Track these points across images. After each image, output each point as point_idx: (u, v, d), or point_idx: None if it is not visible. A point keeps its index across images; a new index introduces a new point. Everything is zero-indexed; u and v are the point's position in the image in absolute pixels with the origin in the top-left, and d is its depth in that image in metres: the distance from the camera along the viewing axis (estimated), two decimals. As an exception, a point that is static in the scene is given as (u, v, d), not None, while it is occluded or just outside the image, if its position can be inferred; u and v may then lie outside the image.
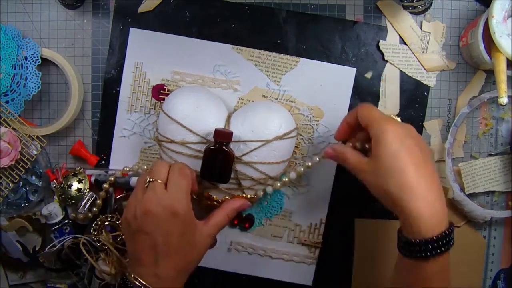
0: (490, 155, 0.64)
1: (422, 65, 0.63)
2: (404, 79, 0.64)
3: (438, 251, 0.43)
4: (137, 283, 0.48)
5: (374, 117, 0.48)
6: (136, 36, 0.63)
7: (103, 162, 0.65)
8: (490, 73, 0.63)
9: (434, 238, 0.43)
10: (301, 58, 0.63)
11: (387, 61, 0.63)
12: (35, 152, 0.62)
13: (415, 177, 0.44)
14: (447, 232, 0.44)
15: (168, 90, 0.63)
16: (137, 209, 0.48)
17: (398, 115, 0.64)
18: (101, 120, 0.65)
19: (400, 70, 0.63)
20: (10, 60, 0.61)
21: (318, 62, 0.63)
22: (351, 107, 0.63)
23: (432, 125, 0.64)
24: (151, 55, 0.63)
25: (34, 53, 0.62)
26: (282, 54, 0.63)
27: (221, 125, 0.57)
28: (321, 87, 0.63)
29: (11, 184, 0.62)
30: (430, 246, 0.43)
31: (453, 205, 0.63)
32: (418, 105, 0.64)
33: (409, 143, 0.46)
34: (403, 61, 0.63)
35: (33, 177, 0.64)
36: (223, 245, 0.65)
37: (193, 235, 0.50)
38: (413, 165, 0.45)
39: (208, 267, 0.66)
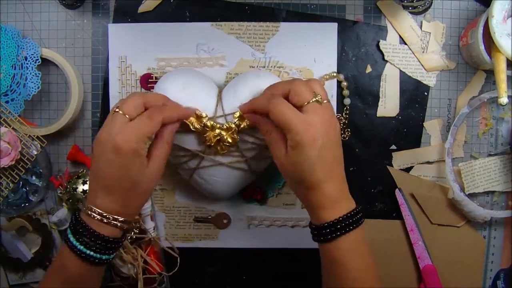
0: (490, 155, 0.64)
1: (422, 65, 0.63)
2: (404, 79, 0.64)
3: (344, 230, 0.47)
4: (85, 214, 0.48)
5: (289, 121, 0.47)
6: (116, 31, 0.63)
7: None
8: (490, 73, 0.63)
9: (339, 218, 0.47)
10: (281, 23, 0.63)
11: (387, 61, 0.63)
12: (35, 152, 0.62)
13: (323, 177, 0.47)
14: (351, 213, 0.48)
15: (156, 78, 0.63)
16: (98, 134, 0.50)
17: (397, 115, 0.64)
18: (101, 120, 0.65)
19: (400, 70, 0.63)
20: (10, 60, 0.61)
21: (298, 24, 0.63)
22: (339, 61, 0.63)
23: (432, 125, 0.64)
24: (133, 47, 0.63)
25: (34, 53, 0.62)
26: (261, 22, 0.63)
27: (213, 101, 0.57)
28: (306, 47, 0.63)
29: (11, 184, 0.62)
30: (335, 227, 0.47)
31: (453, 205, 0.63)
32: (418, 105, 0.64)
33: (323, 144, 0.47)
34: (403, 61, 0.63)
35: (33, 177, 0.64)
36: (241, 223, 0.66)
37: (139, 175, 0.49)
38: (323, 166, 0.47)
39: (225, 247, 0.66)
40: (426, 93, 0.64)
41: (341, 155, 0.50)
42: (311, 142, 0.46)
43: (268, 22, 0.63)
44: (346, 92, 0.63)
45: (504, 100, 0.53)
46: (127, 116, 0.49)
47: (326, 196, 0.48)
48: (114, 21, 0.64)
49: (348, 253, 0.47)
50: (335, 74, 0.62)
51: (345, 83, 0.63)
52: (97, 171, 0.48)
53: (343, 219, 0.47)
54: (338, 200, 0.48)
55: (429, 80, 0.64)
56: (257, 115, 0.52)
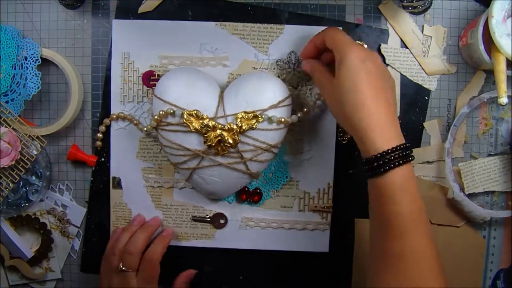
0: (490, 155, 0.64)
1: (423, 69, 0.63)
2: (405, 82, 0.63)
3: (394, 164, 0.46)
4: None
5: (341, 40, 0.51)
6: (120, 27, 0.63)
7: (103, 159, 0.65)
8: (490, 73, 0.63)
9: (388, 150, 0.46)
10: (285, 25, 0.63)
11: (388, 64, 0.63)
12: (35, 152, 0.62)
13: (369, 96, 0.48)
14: (401, 146, 0.47)
15: (158, 76, 0.63)
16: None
17: (398, 118, 0.64)
18: (101, 119, 0.65)
19: (401, 74, 0.63)
20: (10, 60, 0.61)
21: (302, 27, 0.63)
22: None
23: (432, 125, 0.64)
24: (136, 43, 0.63)
25: (34, 53, 0.62)
26: (266, 24, 0.63)
27: (214, 101, 0.57)
28: None
29: (11, 184, 0.62)
30: (385, 160, 0.46)
31: (452, 205, 0.63)
32: (418, 109, 0.64)
33: (369, 66, 0.49)
34: (404, 64, 0.63)
35: (33, 177, 0.64)
36: (237, 224, 0.66)
37: None
38: (369, 85, 0.48)
39: (222, 247, 0.66)
40: (426, 98, 0.64)
41: (390, 95, 0.50)
42: (355, 56, 0.49)
43: (272, 24, 0.63)
44: None
45: (504, 100, 0.53)
46: (131, 271, 0.60)
47: (373, 117, 0.47)
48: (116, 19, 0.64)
49: (398, 188, 0.47)
50: None
51: None
52: None
53: (393, 151, 0.46)
54: (387, 124, 0.48)
55: (430, 84, 0.63)
56: (310, 60, 0.57)
